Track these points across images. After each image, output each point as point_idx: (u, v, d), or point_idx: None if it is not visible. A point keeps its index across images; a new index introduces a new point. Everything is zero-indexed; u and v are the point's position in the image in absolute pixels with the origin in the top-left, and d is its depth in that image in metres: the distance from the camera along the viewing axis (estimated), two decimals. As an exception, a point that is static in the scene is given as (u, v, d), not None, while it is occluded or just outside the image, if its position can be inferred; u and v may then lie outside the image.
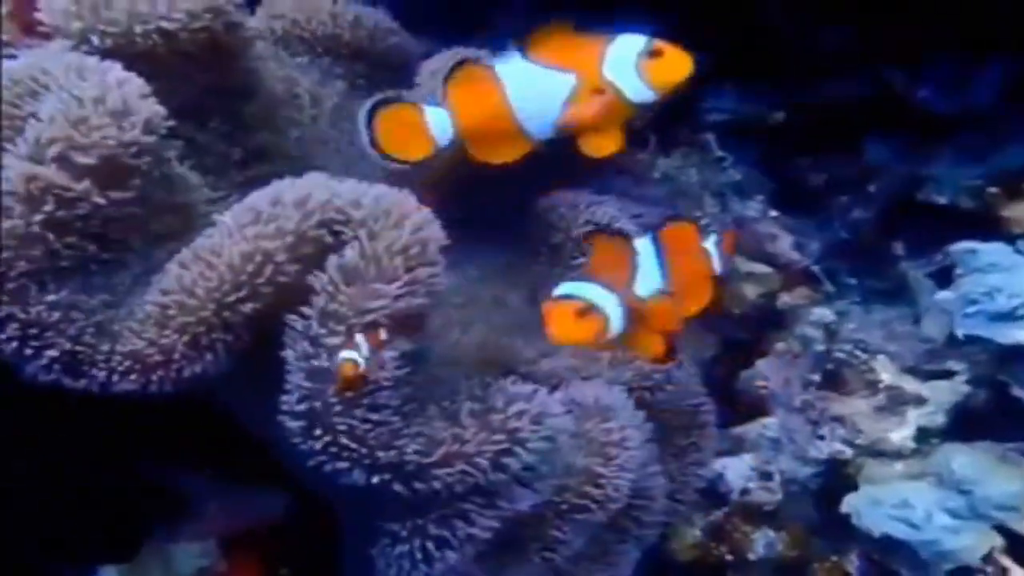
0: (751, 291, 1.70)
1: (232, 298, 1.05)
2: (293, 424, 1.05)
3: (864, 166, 1.86)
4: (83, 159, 1.05)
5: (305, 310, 1.06)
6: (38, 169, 1.02)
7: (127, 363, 1.06)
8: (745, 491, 1.58)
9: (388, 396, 1.03)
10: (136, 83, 1.10)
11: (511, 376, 1.19)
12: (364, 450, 1.01)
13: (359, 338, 0.99)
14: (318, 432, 1.03)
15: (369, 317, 1.02)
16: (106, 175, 1.07)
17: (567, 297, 0.99)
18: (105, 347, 1.06)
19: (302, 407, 1.03)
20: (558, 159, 1.51)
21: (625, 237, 1.00)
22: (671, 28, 1.28)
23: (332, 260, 1.06)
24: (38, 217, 1.03)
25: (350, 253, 1.06)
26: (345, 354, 0.98)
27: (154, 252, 1.15)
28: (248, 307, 1.06)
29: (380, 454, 1.01)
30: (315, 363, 1.03)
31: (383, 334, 1.01)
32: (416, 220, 1.06)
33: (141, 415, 1.19)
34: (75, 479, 1.35)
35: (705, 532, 1.55)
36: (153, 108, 1.11)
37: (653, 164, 1.80)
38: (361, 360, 0.98)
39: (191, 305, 1.06)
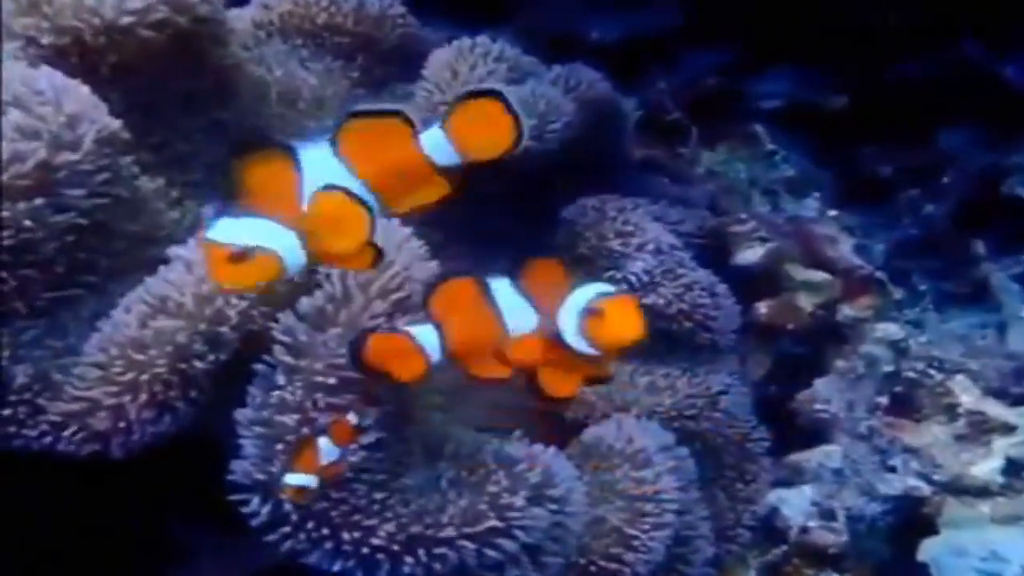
0: (807, 302, 1.58)
1: (191, 350, 0.91)
2: (245, 495, 0.92)
3: (938, 155, 1.72)
4: (13, 182, 0.92)
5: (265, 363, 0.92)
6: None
7: (73, 426, 0.93)
8: (805, 529, 1.44)
9: (355, 468, 0.90)
10: (76, 93, 0.97)
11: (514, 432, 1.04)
12: (325, 530, 0.89)
13: (321, 442, 0.83)
14: (269, 508, 0.90)
15: (334, 377, 0.86)
16: (42, 199, 0.93)
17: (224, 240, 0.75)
18: (48, 405, 0.93)
19: (252, 477, 0.91)
20: (586, 160, 1.41)
21: (285, 149, 0.76)
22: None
23: (299, 304, 0.92)
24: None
25: (319, 296, 0.91)
26: (293, 479, 0.82)
27: (112, 287, 1.01)
28: (210, 359, 0.92)
29: (344, 535, 0.88)
30: (266, 428, 0.90)
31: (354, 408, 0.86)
32: (402, 258, 0.91)
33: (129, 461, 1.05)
34: (62, 532, 1.23)
35: (761, 574, 1.43)
36: (101, 121, 0.98)
37: (696, 160, 1.69)
38: (313, 482, 0.82)
39: (140, 360, 0.92)
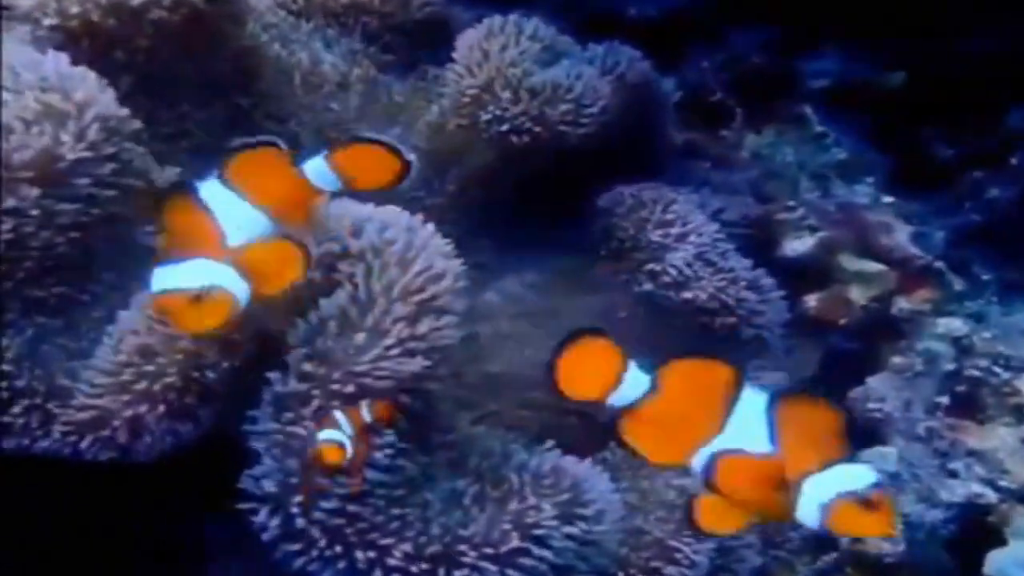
0: (860, 294, 1.52)
1: (203, 357, 0.87)
2: (256, 505, 0.87)
3: (1005, 135, 1.64)
4: (16, 171, 0.88)
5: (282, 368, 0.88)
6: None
7: (88, 435, 0.89)
8: (858, 537, 1.37)
9: (372, 481, 0.85)
10: (83, 79, 0.92)
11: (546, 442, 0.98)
12: (339, 548, 0.84)
13: (338, 415, 0.79)
14: (280, 522, 0.86)
15: (352, 385, 0.82)
16: (47, 189, 0.89)
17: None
18: (61, 413, 0.89)
19: (265, 487, 0.86)
20: (624, 145, 1.35)
21: (188, 190, 0.84)
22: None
23: (320, 306, 0.87)
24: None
25: (341, 297, 0.86)
26: (326, 434, 0.78)
27: (126, 284, 0.96)
28: (225, 366, 0.87)
29: (359, 554, 0.84)
30: (282, 436, 0.85)
31: (371, 406, 0.81)
32: (427, 257, 0.86)
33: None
34: (81, 533, 1.20)
35: None
36: (109, 108, 0.92)
37: (740, 143, 1.62)
38: (347, 440, 0.78)
39: (149, 372, 0.88)
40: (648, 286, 1.26)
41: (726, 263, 1.29)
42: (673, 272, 1.25)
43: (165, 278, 0.78)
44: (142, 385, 0.87)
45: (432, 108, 1.34)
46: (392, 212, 0.91)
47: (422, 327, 0.83)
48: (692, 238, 1.27)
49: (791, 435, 0.76)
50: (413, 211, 1.40)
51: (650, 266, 1.26)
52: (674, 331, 1.27)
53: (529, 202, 1.34)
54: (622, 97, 1.31)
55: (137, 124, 0.97)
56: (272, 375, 0.86)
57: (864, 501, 0.74)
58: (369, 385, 0.82)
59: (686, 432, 0.78)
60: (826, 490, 0.75)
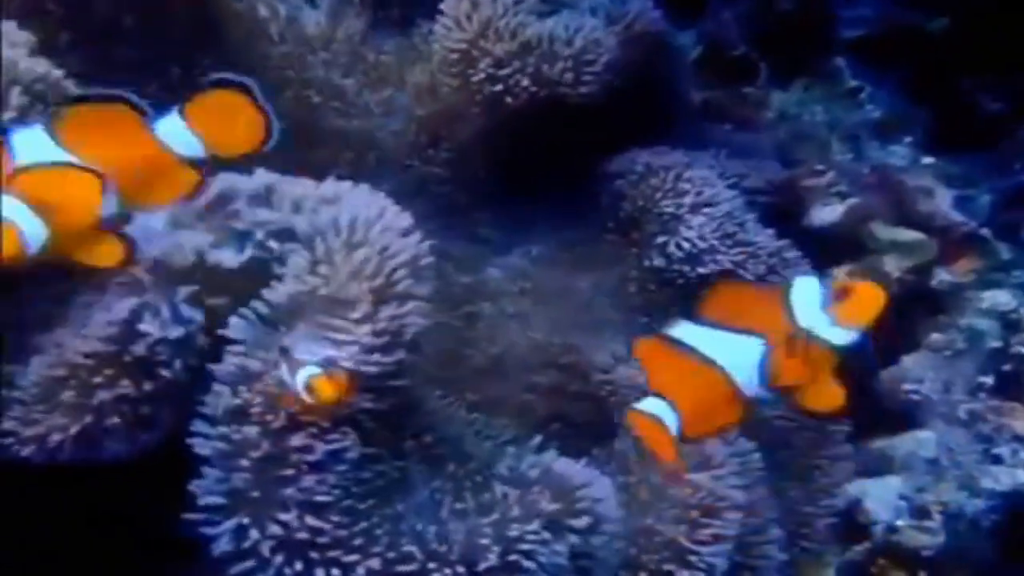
0: (895, 266, 1.46)
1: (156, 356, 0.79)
2: (203, 517, 0.79)
3: None
4: None
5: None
6: None
7: (30, 447, 0.82)
8: (893, 528, 1.33)
9: (333, 490, 0.77)
10: (8, 37, 0.84)
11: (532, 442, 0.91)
12: (299, 565, 0.77)
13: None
14: (231, 536, 0.78)
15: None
16: None
17: None
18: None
19: (212, 499, 0.79)
20: (633, 107, 1.28)
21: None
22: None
23: (262, 296, 0.79)
24: None
25: (281, 287, 0.78)
26: (309, 370, 0.71)
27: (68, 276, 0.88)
28: (179, 364, 0.79)
29: (319, 573, 0.77)
30: (226, 443, 0.77)
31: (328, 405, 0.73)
32: (384, 237, 0.78)
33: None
34: (66, 531, 1.15)
35: (842, 573, 1.33)
36: (35, 69, 0.85)
37: (765, 101, 1.58)
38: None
39: (93, 383, 0.80)
40: (659, 261, 1.20)
41: (746, 235, 1.22)
42: (686, 246, 1.18)
43: None
44: (81, 403, 0.80)
45: (423, 67, 1.26)
46: (335, 185, 0.83)
47: (382, 316, 0.74)
48: (707, 208, 1.20)
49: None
50: (407, 181, 1.32)
51: (661, 239, 1.19)
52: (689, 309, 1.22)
53: (532, 170, 1.28)
54: (630, 51, 1.23)
55: (75, 88, 0.88)
56: (215, 370, 0.78)
57: (841, 291, 0.82)
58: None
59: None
60: (814, 308, 0.82)
